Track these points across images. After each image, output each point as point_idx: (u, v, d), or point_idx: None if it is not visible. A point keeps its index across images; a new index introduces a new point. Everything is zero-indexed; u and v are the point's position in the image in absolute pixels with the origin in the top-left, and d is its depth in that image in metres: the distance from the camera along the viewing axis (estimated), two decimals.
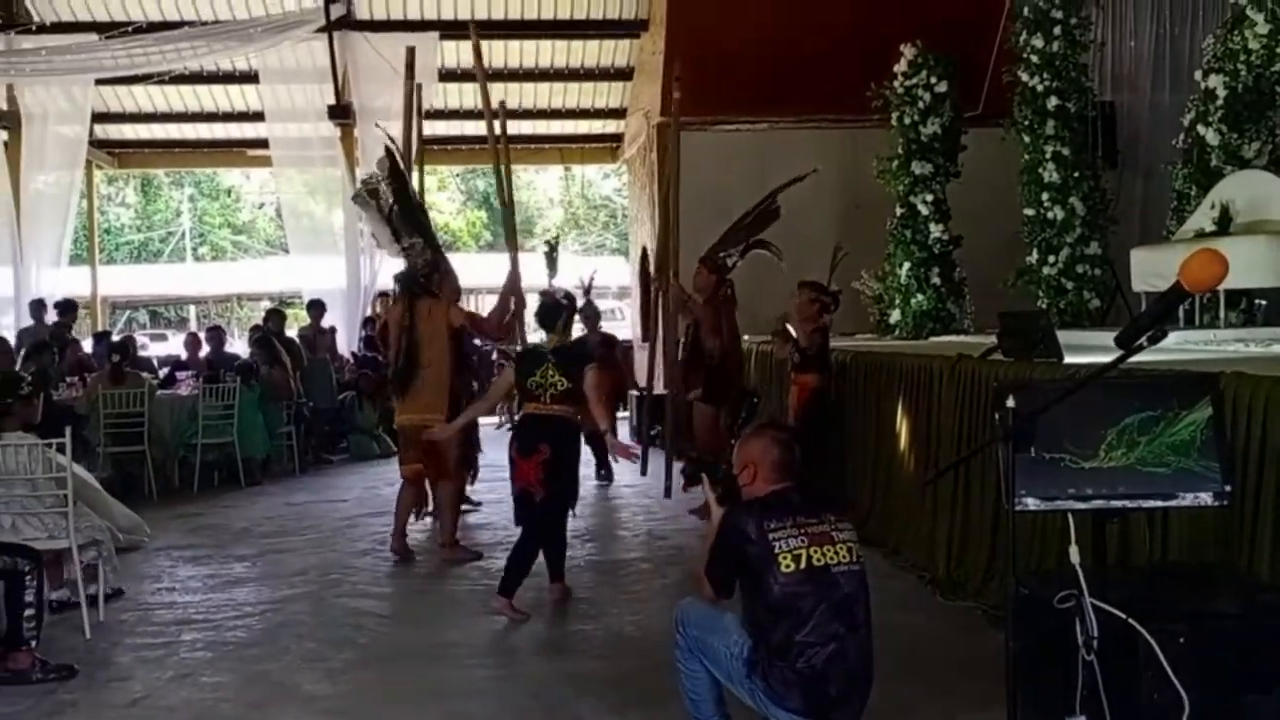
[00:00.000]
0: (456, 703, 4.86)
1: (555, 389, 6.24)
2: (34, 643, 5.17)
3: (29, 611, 5.15)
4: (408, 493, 7.74)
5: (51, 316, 13.10)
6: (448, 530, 7.58)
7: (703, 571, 3.99)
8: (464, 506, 8.77)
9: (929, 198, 10.85)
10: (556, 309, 6.56)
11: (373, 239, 8.38)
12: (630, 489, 9.85)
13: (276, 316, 12.73)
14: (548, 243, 11.10)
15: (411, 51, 10.37)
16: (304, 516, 9.29)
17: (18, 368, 9.57)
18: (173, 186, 36.35)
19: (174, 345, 19.73)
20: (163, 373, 12.30)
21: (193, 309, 32.75)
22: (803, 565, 3.78)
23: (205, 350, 12.76)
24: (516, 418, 6.40)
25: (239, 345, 18.00)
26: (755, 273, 9.73)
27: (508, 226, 9.23)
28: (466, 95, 16.33)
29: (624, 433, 10.62)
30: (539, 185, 36.51)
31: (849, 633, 3.80)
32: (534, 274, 11.41)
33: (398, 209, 8.07)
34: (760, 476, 4.00)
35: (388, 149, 8.49)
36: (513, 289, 8.33)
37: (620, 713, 4.63)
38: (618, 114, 17.27)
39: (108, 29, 14.48)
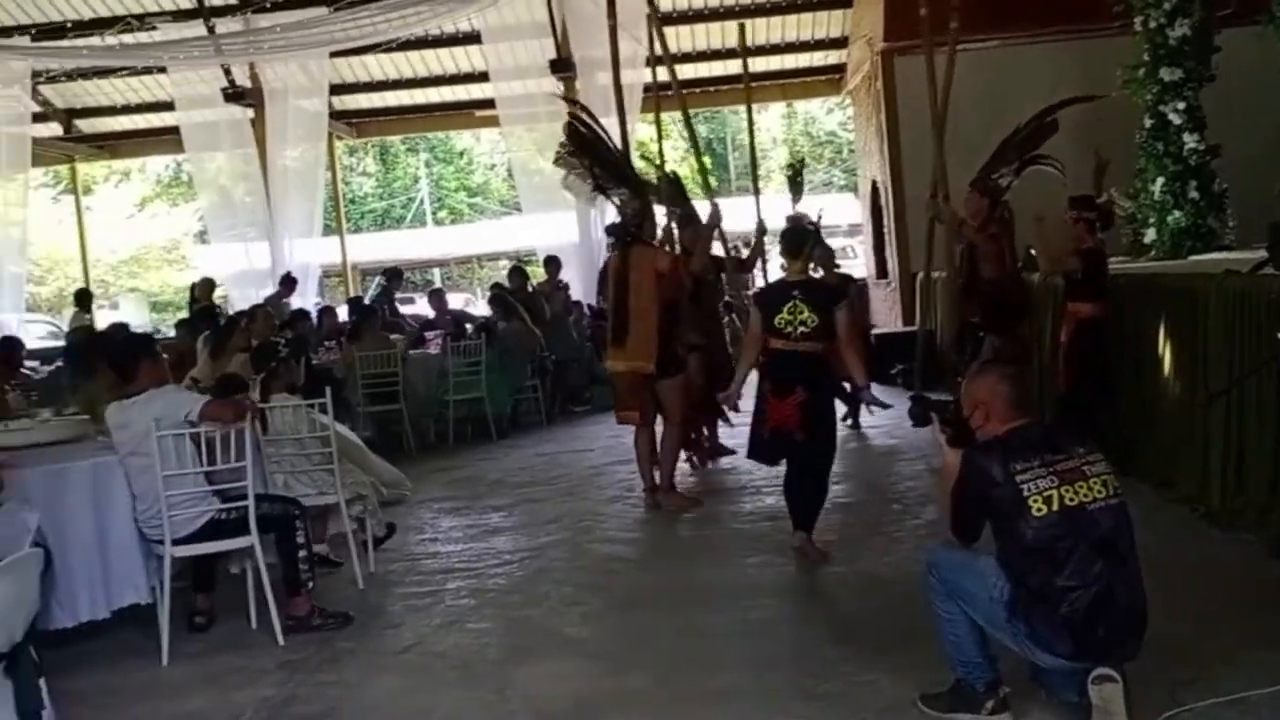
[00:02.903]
0: (712, 644, 4.88)
1: (805, 325, 5.98)
2: (310, 585, 5.46)
3: (302, 554, 5.45)
4: (641, 440, 7.74)
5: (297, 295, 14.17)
6: (666, 475, 7.62)
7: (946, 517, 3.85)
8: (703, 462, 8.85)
9: (1180, 106, 10.10)
10: (803, 234, 6.30)
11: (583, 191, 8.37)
12: (875, 429, 9.65)
13: (518, 274, 13.08)
14: (790, 165, 10.80)
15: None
16: (553, 466, 9.52)
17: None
18: (409, 153, 37.70)
19: (421, 307, 20.49)
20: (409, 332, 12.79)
21: (436, 271, 33.98)
22: (1055, 507, 3.58)
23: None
24: (762, 356, 6.20)
25: (480, 306, 18.61)
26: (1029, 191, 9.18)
27: (675, 192, 9.06)
28: (684, 38, 16.21)
29: None
30: (761, 124, 36.12)
31: (1113, 571, 3.59)
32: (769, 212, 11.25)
33: (598, 167, 8.06)
34: (994, 416, 3.80)
35: (570, 109, 8.53)
36: (713, 227, 8.18)
37: (877, 655, 4.53)
38: (839, 44, 16.83)
39: (335, 0, 15.05)
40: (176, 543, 5.23)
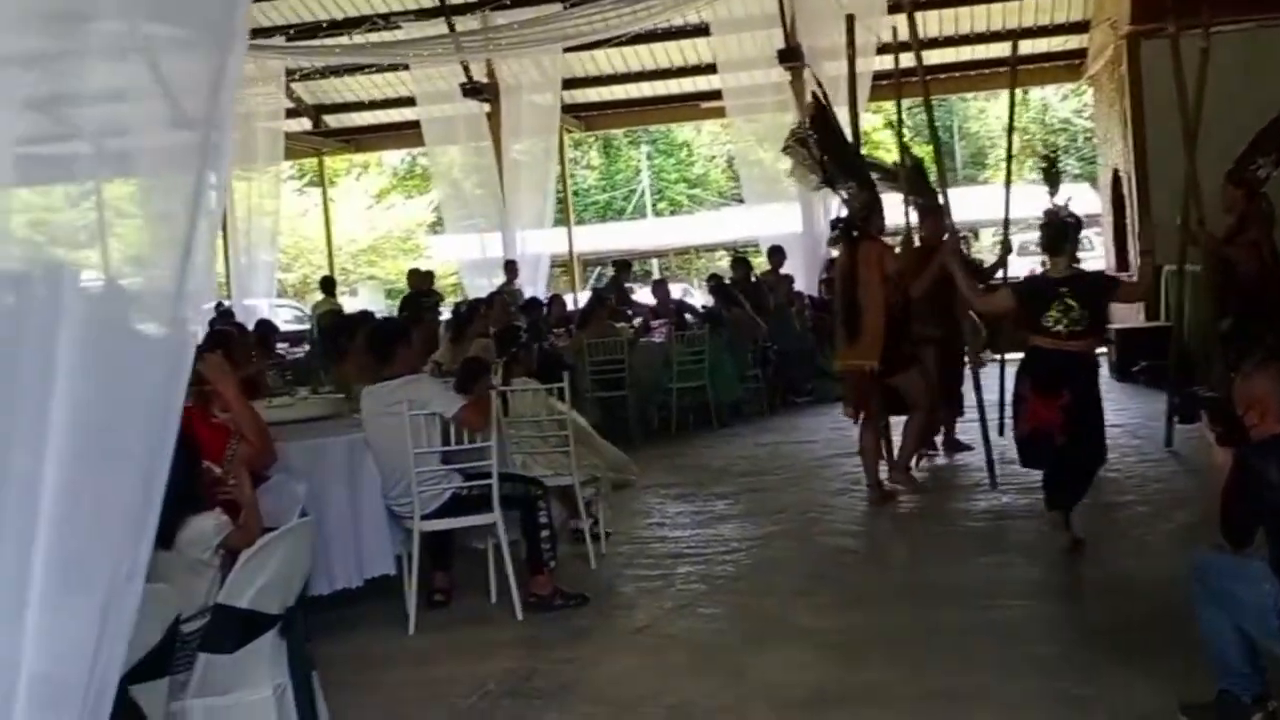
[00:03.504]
0: (954, 643, 4.76)
1: (1077, 324, 5.74)
2: (552, 564, 5.61)
3: (544, 533, 5.59)
4: (867, 437, 7.62)
5: (521, 279, 14.65)
6: (904, 456, 7.48)
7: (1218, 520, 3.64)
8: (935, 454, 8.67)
9: None
10: (1064, 229, 6.07)
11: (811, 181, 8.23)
12: (1118, 428, 9.23)
13: (741, 265, 13.13)
14: (1045, 158, 10.29)
15: None
16: (776, 457, 9.49)
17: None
18: (631, 146, 38.22)
19: (642, 296, 20.78)
20: (637, 322, 12.96)
21: (655, 262, 34.34)
22: None
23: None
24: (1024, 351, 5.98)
25: (697, 296, 18.73)
26: None
27: (918, 180, 8.71)
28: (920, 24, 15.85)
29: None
30: (990, 111, 35.01)
31: None
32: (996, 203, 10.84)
33: (828, 157, 7.91)
34: (1271, 415, 3.56)
35: (814, 95, 8.38)
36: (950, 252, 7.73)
37: (1132, 661, 4.34)
38: (1079, 28, 16.15)
39: None
40: (423, 518, 5.45)
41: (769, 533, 6.89)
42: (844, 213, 7.75)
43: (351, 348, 7.40)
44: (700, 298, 18.83)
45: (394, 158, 33.55)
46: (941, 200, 7.97)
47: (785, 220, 15.80)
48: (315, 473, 5.44)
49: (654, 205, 38.13)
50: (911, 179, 8.55)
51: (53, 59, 1.50)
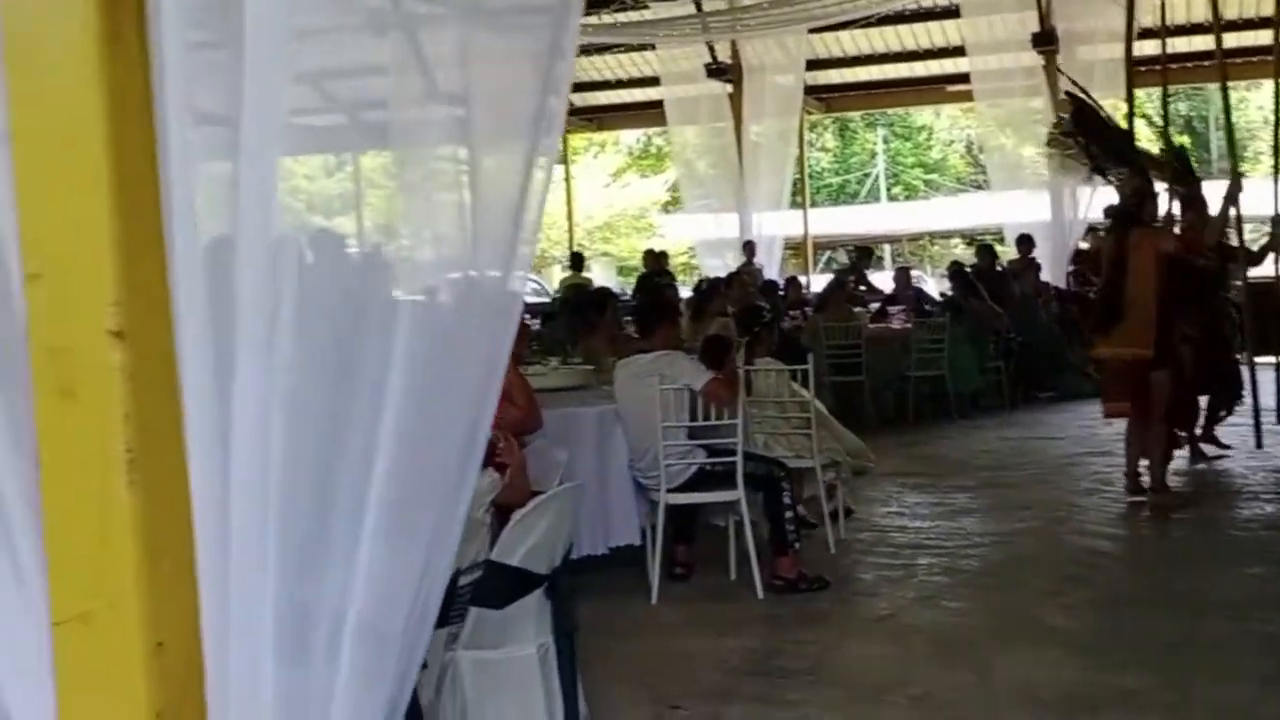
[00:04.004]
0: (1220, 654, 4.52)
1: None
2: (797, 546, 5.60)
3: (789, 514, 5.59)
4: (1134, 433, 7.30)
5: (759, 259, 14.57)
6: (1155, 474, 7.10)
7: None
8: (1213, 451, 8.24)
9: None
10: None
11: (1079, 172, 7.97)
12: None
13: (986, 253, 12.79)
14: None
15: None
16: (1020, 452, 9.20)
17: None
18: (867, 129, 37.62)
19: (876, 282, 20.45)
20: (873, 307, 12.78)
21: (887, 248, 33.74)
22: None
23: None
24: None
25: (930, 283, 18.32)
26: None
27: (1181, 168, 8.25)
28: (1177, 9, 14.98)
29: None
30: (1252, 102, 32.83)
31: None
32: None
33: (1096, 146, 7.61)
34: None
35: (1073, 86, 8.06)
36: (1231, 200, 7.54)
37: None
38: None
39: None
40: (669, 491, 5.53)
41: (1014, 529, 6.69)
42: (1112, 201, 7.49)
43: (601, 321, 7.57)
44: (932, 285, 18.43)
45: (630, 137, 34.03)
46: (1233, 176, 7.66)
47: (1032, 208, 15.24)
48: (566, 441, 5.58)
49: (888, 189, 37.44)
50: (1174, 167, 8.16)
51: (322, 34, 1.58)
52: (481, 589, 3.30)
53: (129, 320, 1.57)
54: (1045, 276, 13.69)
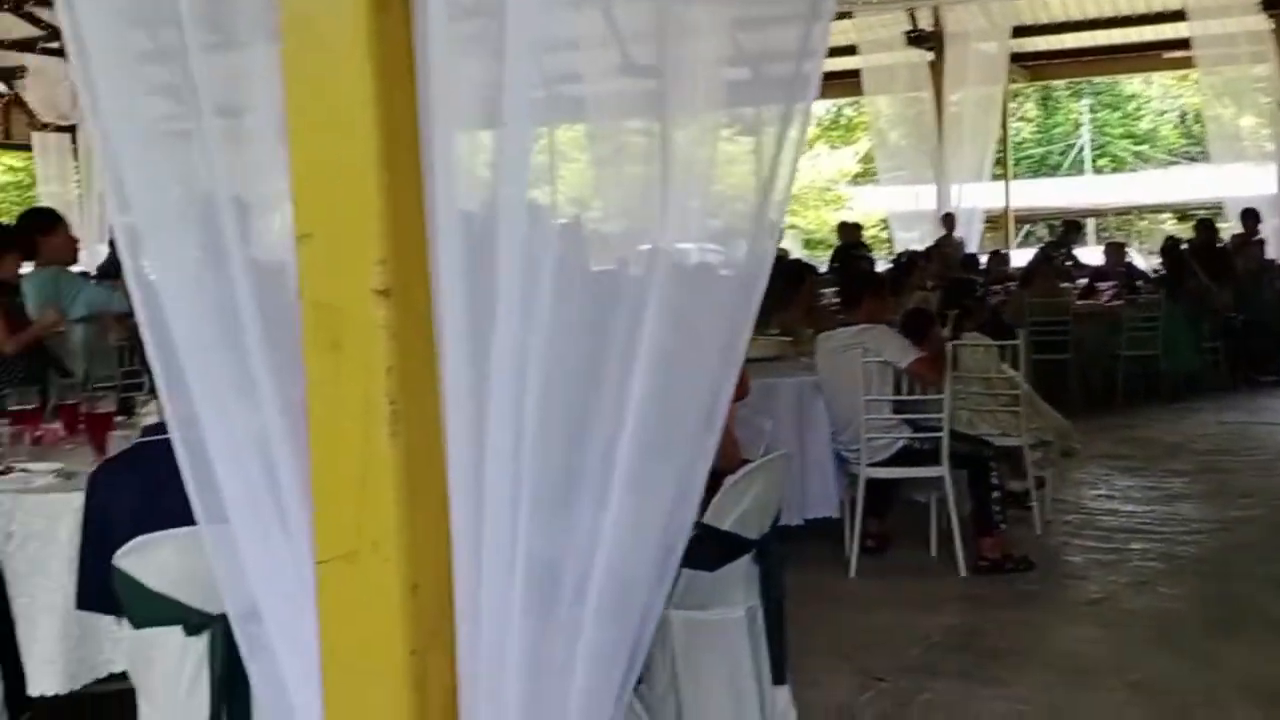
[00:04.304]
0: None
1: None
2: (1002, 526, 5.48)
3: (995, 494, 5.47)
4: None
5: (960, 231, 14.22)
6: None
7: None
8: None
9: None
10: None
11: None
12: None
13: (1205, 228, 12.20)
14: None
15: None
16: (1241, 436, 8.75)
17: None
18: (1070, 98, 36.19)
19: (1083, 256, 19.75)
20: (1080, 283, 12.32)
21: (1091, 222, 32.44)
22: None
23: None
24: None
25: (1137, 259, 17.55)
26: None
27: None
28: None
29: None
30: None
31: None
32: None
33: None
34: None
35: None
36: None
37: None
38: None
39: None
40: (870, 465, 5.48)
41: (1235, 517, 6.39)
42: None
43: (798, 294, 7.52)
44: (1141, 261, 17.65)
45: (820, 107, 33.61)
46: None
47: (1255, 182, 14.39)
48: (765, 412, 5.58)
49: (1093, 161, 35.96)
50: None
51: (519, 9, 1.61)
52: (694, 551, 3.34)
53: (393, 279, 1.65)
54: (1271, 253, 12.95)
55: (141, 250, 1.79)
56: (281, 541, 1.78)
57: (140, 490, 2.58)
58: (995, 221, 19.98)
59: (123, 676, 3.07)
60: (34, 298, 5.18)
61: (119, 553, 2.48)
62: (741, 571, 3.33)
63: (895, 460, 5.51)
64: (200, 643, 2.49)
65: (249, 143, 1.83)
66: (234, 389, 1.76)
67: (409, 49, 1.66)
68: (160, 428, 2.66)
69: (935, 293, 8.82)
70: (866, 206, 24.00)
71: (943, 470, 5.37)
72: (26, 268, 5.50)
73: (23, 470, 3.42)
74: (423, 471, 1.70)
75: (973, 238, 15.96)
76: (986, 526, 5.45)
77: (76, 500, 3.05)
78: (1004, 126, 18.47)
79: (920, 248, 13.69)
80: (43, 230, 5.49)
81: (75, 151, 15.85)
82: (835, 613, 4.99)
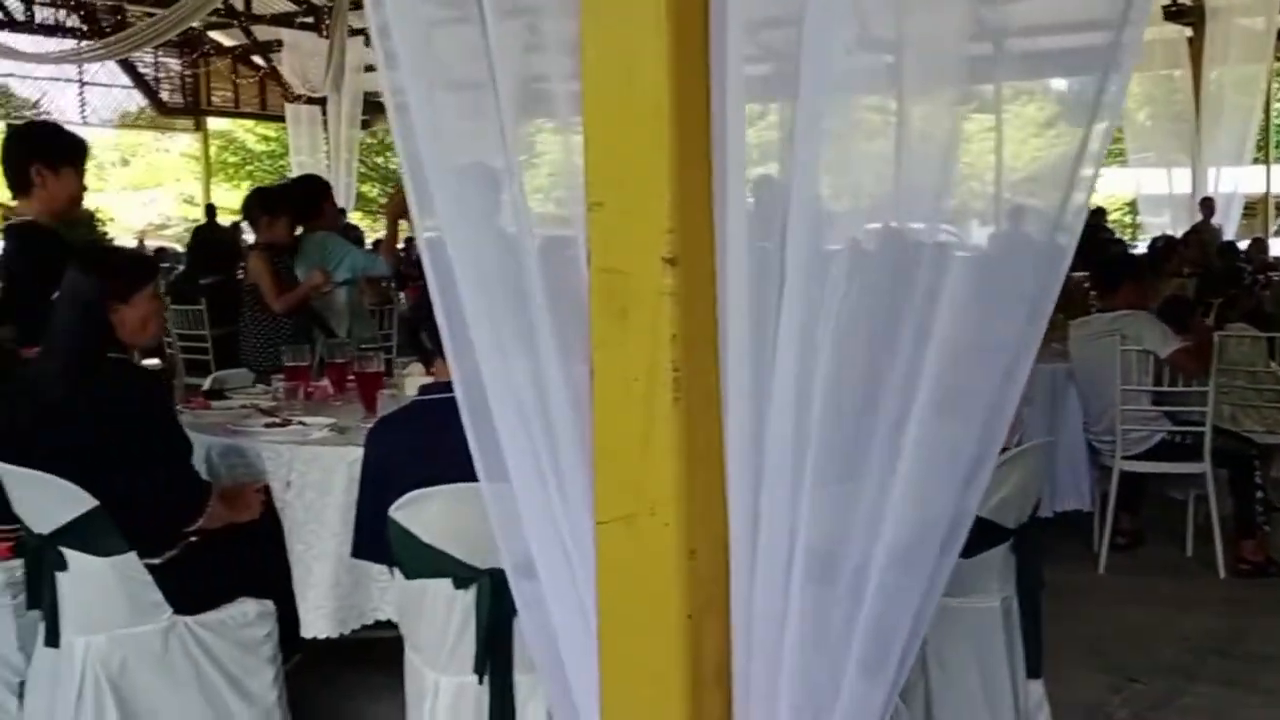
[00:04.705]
0: None
1: None
2: (1266, 528, 5.17)
3: (1258, 495, 5.17)
4: None
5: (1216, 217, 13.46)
6: None
7: None
8: None
9: None
10: None
11: None
12: None
13: None
14: None
15: None
16: None
17: None
18: None
19: None
20: None
21: None
22: None
23: None
24: None
25: None
26: None
27: None
28: None
29: None
30: None
31: None
32: None
33: None
34: None
35: None
36: None
37: None
38: None
39: None
40: (1126, 458, 5.24)
41: None
42: None
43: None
44: None
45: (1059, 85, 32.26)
46: None
47: None
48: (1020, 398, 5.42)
49: None
50: None
51: None
52: None
53: (681, 247, 1.67)
54: None
55: (430, 213, 1.85)
56: (558, 501, 1.83)
57: (416, 447, 2.70)
58: (1252, 207, 18.80)
59: (388, 624, 3.24)
60: (303, 260, 5.48)
61: (394, 505, 2.61)
62: (998, 560, 3.25)
63: (1152, 454, 5.25)
64: (468, 596, 2.59)
65: (539, 112, 1.87)
66: (517, 352, 1.81)
67: (705, 20, 1.67)
68: (435, 388, 2.80)
69: (1191, 280, 8.36)
70: (1108, 188, 22.93)
71: (1204, 467, 5.09)
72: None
73: (299, 423, 3.63)
74: (702, 438, 1.71)
75: (1230, 224, 15.05)
76: (1249, 528, 5.14)
77: (350, 454, 3.23)
78: (1266, 109, 17.35)
79: (1172, 233, 13.00)
80: (318, 196, 5.80)
81: (325, 123, 16.66)
82: (1085, 609, 4.78)
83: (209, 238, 10.41)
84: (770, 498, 1.69)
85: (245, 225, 7.50)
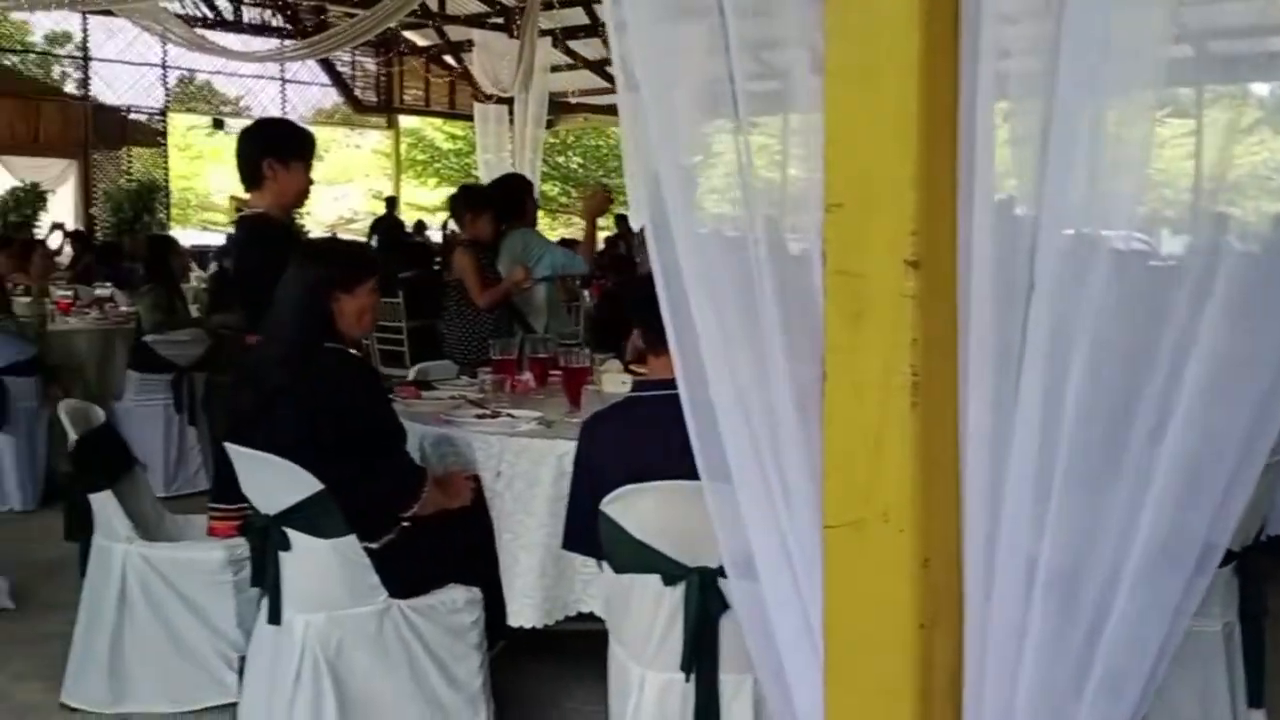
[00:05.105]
0: None
1: None
2: None
3: None
4: None
5: None
6: None
7: None
8: None
9: None
10: None
11: None
12: None
13: None
14: None
15: None
16: None
17: None
18: None
19: None
20: None
21: None
22: None
23: None
24: None
25: None
26: None
27: None
28: None
29: None
30: None
31: None
32: None
33: None
34: None
35: None
36: None
37: None
38: None
39: None
40: None
41: None
42: None
43: None
44: None
45: (1264, 88, 30.59)
46: None
47: None
48: None
49: None
50: None
51: None
52: None
53: (924, 250, 1.63)
54: None
55: (664, 210, 1.86)
56: (781, 503, 1.81)
57: (629, 442, 2.73)
58: None
59: (591, 617, 3.28)
60: (505, 256, 5.60)
61: (606, 500, 2.63)
62: (1221, 583, 3.11)
63: None
64: (675, 593, 2.60)
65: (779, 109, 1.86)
66: (744, 351, 1.80)
67: (956, 13, 1.63)
68: (649, 384, 2.82)
69: None
70: None
71: None
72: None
73: (508, 415, 3.71)
74: (939, 444, 1.67)
75: None
76: None
77: (559, 447, 3.28)
78: None
79: None
80: (521, 194, 5.92)
81: (511, 122, 16.98)
82: None
83: (397, 236, 10.75)
84: (1013, 508, 1.64)
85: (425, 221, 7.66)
